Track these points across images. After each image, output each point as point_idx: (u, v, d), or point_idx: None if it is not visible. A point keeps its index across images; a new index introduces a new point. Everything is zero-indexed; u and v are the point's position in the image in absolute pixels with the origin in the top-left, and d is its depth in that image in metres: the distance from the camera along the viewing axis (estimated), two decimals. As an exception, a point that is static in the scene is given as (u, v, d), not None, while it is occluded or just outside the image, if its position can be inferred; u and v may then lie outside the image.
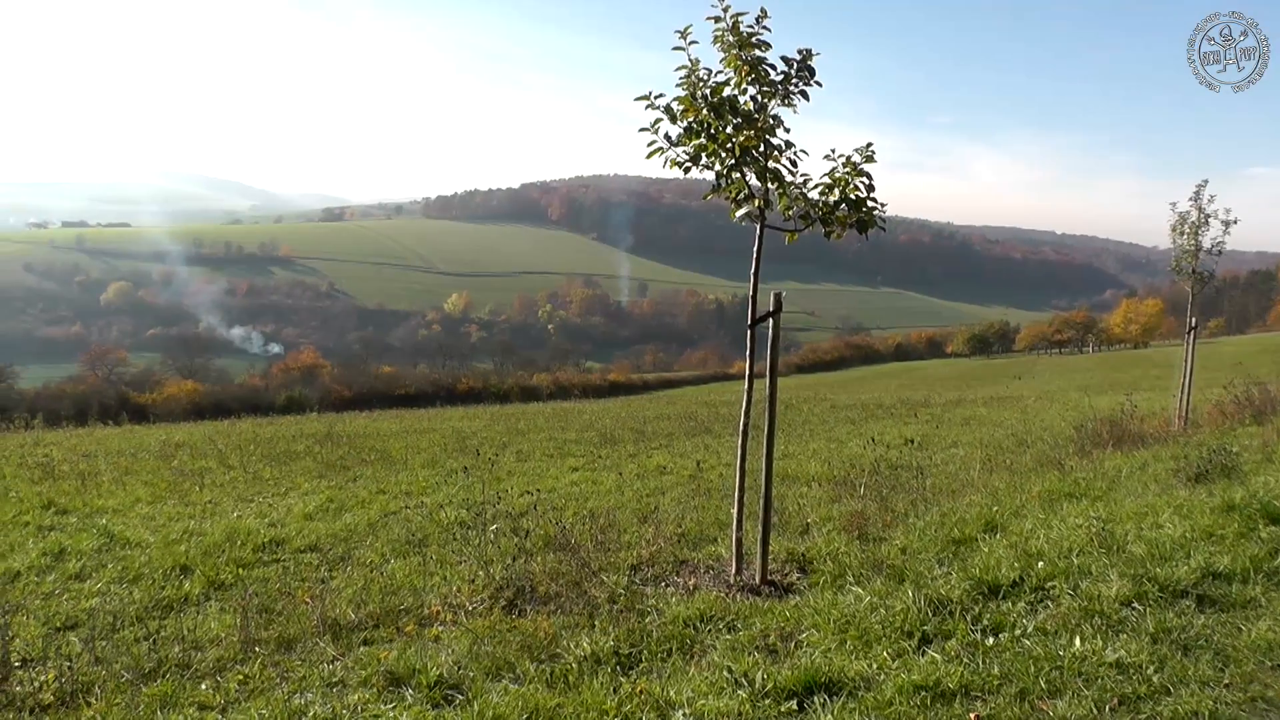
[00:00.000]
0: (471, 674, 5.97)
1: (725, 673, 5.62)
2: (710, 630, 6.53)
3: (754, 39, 7.13)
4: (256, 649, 6.75)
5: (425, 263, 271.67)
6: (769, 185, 7.48)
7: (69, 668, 6.30)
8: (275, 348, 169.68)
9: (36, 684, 6.15)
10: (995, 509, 9.82)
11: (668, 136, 7.47)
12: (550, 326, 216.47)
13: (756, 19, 7.10)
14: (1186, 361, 18.38)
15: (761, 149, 7.32)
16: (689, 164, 7.54)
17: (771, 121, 7.30)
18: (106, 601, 8.35)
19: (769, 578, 7.75)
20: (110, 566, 9.59)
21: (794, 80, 7.28)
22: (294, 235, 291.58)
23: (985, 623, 6.17)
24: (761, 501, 7.78)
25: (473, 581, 8.02)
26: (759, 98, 7.28)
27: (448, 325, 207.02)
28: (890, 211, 7.83)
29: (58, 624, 7.76)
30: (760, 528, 7.74)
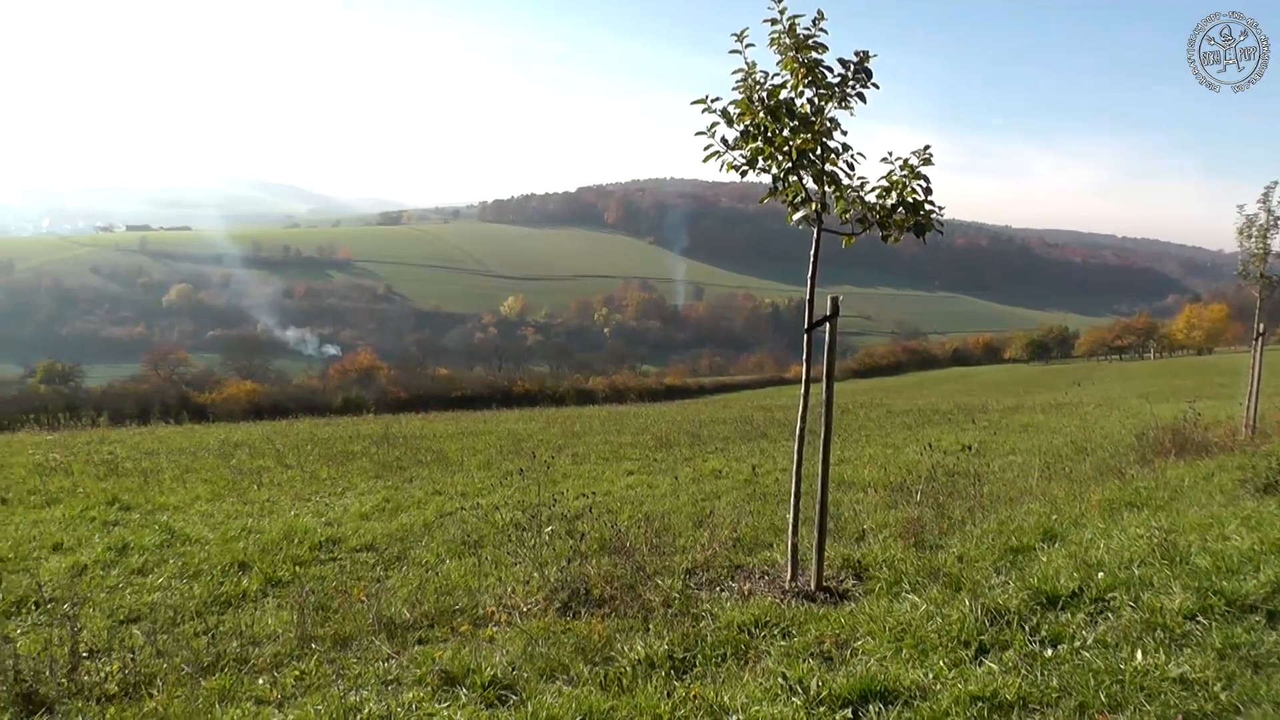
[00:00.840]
0: (525, 675, 5.99)
1: (780, 679, 5.58)
2: (765, 636, 6.50)
3: (810, 41, 7.09)
4: (313, 646, 6.83)
5: (482, 266, 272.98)
6: (826, 188, 7.45)
7: (132, 660, 6.45)
8: (331, 349, 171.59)
9: (102, 674, 6.29)
10: (1054, 518, 9.68)
11: (724, 140, 7.46)
12: (606, 330, 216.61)
13: (813, 21, 7.06)
14: (1254, 368, 18.00)
15: (818, 152, 7.29)
16: (746, 167, 7.51)
17: (829, 124, 7.27)
18: (168, 596, 8.50)
19: (824, 584, 7.70)
20: (171, 562, 9.75)
21: (851, 82, 7.23)
22: (351, 238, 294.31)
23: (1044, 633, 6.08)
24: (817, 507, 7.73)
25: (527, 583, 8.05)
26: (816, 100, 7.24)
27: (504, 328, 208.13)
28: (947, 214, 7.78)
29: (122, 617, 7.91)
30: (816, 533, 7.69)
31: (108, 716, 5.65)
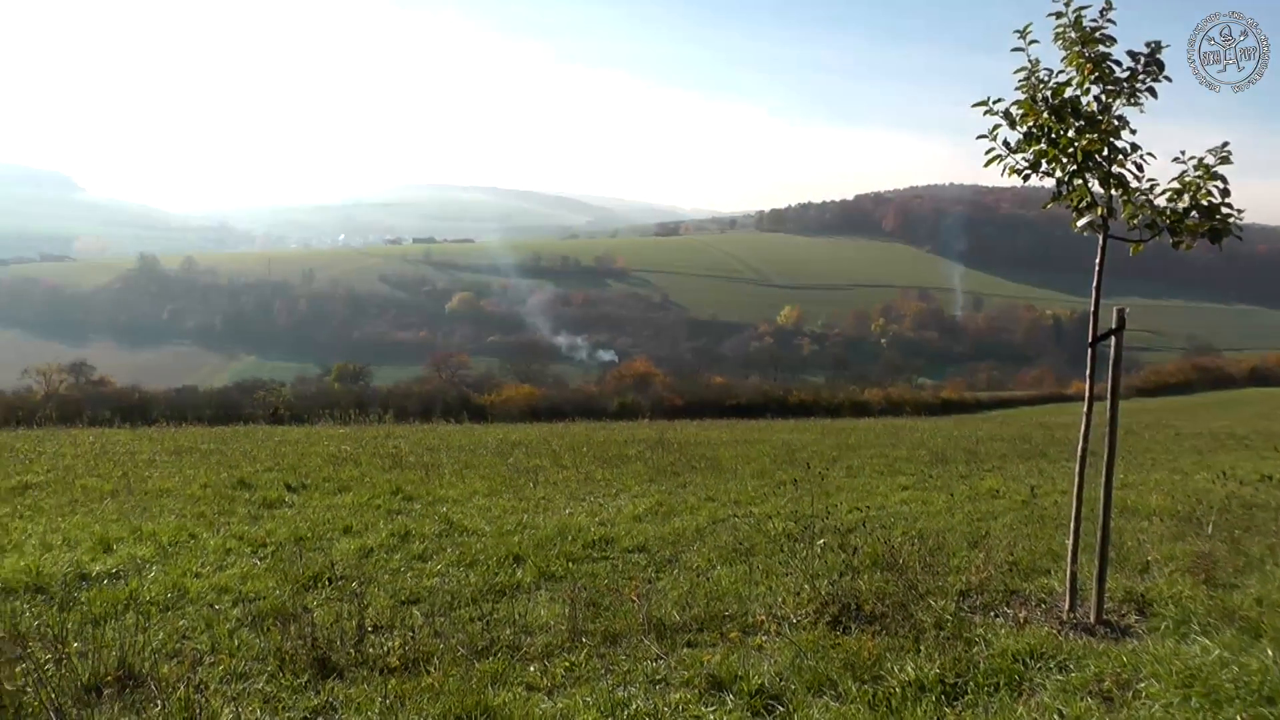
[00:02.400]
0: (793, 686, 5.97)
1: (1055, 716, 5.33)
2: (1040, 668, 6.21)
3: (1097, 34, 6.78)
4: (583, 639, 7.02)
5: (758, 275, 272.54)
6: (1113, 192, 7.06)
7: (412, 637, 6.86)
8: (606, 355, 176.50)
9: (385, 649, 6.73)
10: (1380, 563, 8.74)
11: (1006, 143, 7.23)
12: (883, 340, 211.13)
13: (1100, 12, 6.75)
14: None
15: (1105, 153, 6.92)
16: (1028, 171, 7.24)
17: (1116, 123, 6.88)
18: (445, 582, 8.94)
19: (1104, 617, 7.27)
20: (449, 550, 10.22)
21: (1141, 76, 6.83)
22: (628, 249, 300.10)
23: (1372, 702, 5.45)
24: (1098, 534, 7.31)
25: (798, 594, 8.01)
26: (1102, 98, 6.89)
27: (779, 337, 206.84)
28: (1246, 218, 7.19)
29: (403, 598, 8.38)
30: (1096, 562, 7.28)
31: (389, 687, 6.02)
